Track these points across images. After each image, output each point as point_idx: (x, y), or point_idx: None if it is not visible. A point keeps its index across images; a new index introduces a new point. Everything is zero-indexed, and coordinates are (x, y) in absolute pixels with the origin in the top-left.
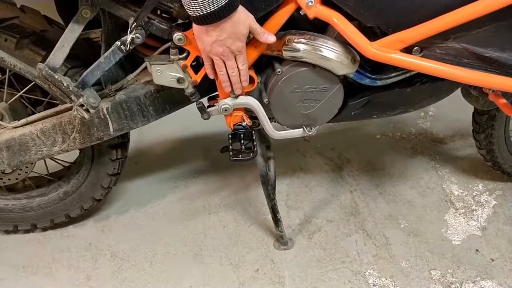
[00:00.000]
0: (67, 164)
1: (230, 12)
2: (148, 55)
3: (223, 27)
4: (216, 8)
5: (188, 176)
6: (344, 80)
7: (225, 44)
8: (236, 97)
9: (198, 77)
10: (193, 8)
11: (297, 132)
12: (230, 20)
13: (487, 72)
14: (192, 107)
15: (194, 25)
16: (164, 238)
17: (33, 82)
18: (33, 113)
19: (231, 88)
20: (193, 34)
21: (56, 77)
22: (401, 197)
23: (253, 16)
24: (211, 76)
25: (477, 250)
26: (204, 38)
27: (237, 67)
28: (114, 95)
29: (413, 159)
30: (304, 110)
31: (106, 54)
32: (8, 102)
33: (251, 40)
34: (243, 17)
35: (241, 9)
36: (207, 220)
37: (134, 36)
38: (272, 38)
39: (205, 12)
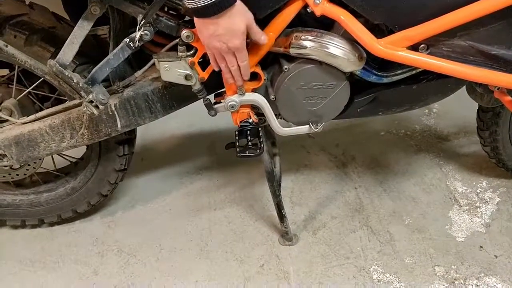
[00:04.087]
0: (74, 160)
1: (225, 7)
2: (156, 52)
3: (218, 22)
4: (211, 2)
5: (193, 172)
6: (351, 77)
7: (222, 40)
8: (243, 94)
9: (205, 74)
10: (189, 0)
11: (303, 129)
12: (226, 15)
13: (493, 70)
14: (198, 104)
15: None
16: (170, 234)
17: (42, 78)
18: (41, 109)
19: (233, 79)
20: None
21: (66, 73)
22: (405, 194)
23: (251, 14)
24: (215, 68)
25: (481, 247)
26: (202, 31)
27: (237, 63)
28: (122, 92)
29: (417, 156)
30: (310, 107)
31: (115, 51)
32: (17, 98)
33: None
34: (240, 14)
35: (239, 6)
36: (213, 216)
37: (142, 33)
38: (265, 40)
39: (200, 5)
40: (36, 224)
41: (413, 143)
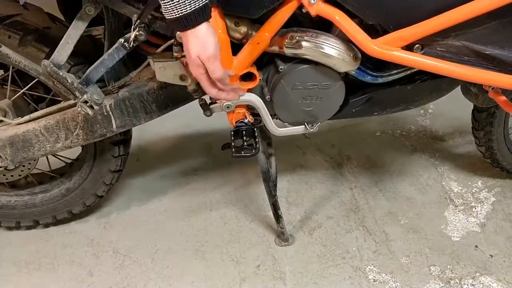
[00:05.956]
0: (69, 161)
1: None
2: (151, 52)
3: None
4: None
5: (189, 173)
6: (346, 77)
7: None
8: None
9: None
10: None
11: (299, 129)
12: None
13: (487, 70)
14: (193, 104)
15: None
16: (165, 235)
17: (36, 79)
18: (35, 110)
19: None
20: None
21: (61, 73)
22: (401, 194)
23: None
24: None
25: (476, 246)
26: None
27: None
28: (117, 92)
29: (412, 156)
30: (305, 107)
31: (109, 51)
32: (11, 99)
33: (254, 37)
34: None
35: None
36: (209, 216)
37: (137, 33)
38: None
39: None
40: (31, 225)
41: (409, 143)
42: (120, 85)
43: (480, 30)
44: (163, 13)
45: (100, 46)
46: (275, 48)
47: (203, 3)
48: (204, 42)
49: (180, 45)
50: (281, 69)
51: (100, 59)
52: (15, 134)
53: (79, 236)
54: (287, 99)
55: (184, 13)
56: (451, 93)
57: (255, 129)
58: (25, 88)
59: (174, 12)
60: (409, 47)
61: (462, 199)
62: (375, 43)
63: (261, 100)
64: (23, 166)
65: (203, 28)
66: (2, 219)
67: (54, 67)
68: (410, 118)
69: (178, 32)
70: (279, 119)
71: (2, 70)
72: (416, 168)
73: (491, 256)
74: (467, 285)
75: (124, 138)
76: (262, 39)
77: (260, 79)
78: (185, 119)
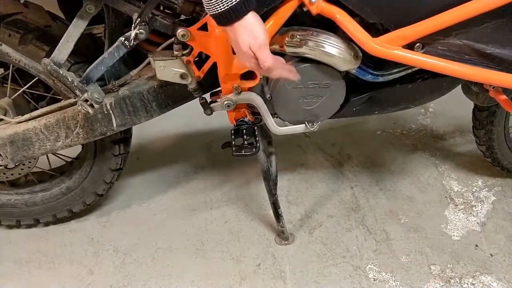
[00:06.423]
0: (69, 160)
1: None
2: (152, 50)
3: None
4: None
5: (189, 172)
6: (346, 76)
7: None
8: (239, 93)
9: (201, 73)
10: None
11: (299, 128)
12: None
13: (488, 69)
14: (194, 103)
15: None
16: (166, 233)
17: (37, 78)
18: (36, 108)
19: None
20: (196, 30)
21: (61, 72)
22: (401, 193)
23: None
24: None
25: (477, 246)
26: None
27: None
28: (117, 91)
29: (413, 155)
30: (306, 106)
31: (110, 49)
32: (12, 97)
33: None
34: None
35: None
36: (209, 215)
37: (138, 31)
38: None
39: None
40: (31, 224)
41: (409, 142)
42: (121, 83)
43: (481, 29)
44: (206, 10)
45: (100, 45)
46: (276, 47)
47: None
48: (253, 31)
49: (181, 43)
50: None
51: (101, 57)
52: (15, 133)
53: (79, 235)
54: (288, 98)
55: (230, 5)
56: (451, 92)
57: (256, 127)
58: (26, 87)
59: (220, 6)
60: (410, 46)
61: (463, 198)
62: (376, 41)
63: (261, 99)
64: (23, 164)
65: (250, 18)
66: (3, 217)
67: (54, 66)
68: (410, 117)
69: (226, 28)
70: (280, 118)
71: (2, 69)
72: (417, 167)
73: (491, 255)
74: (467, 284)
75: (124, 137)
76: None
77: (260, 78)
78: (185, 118)
